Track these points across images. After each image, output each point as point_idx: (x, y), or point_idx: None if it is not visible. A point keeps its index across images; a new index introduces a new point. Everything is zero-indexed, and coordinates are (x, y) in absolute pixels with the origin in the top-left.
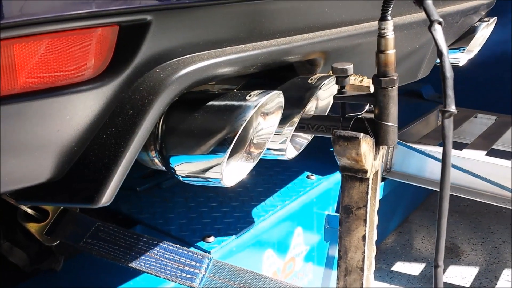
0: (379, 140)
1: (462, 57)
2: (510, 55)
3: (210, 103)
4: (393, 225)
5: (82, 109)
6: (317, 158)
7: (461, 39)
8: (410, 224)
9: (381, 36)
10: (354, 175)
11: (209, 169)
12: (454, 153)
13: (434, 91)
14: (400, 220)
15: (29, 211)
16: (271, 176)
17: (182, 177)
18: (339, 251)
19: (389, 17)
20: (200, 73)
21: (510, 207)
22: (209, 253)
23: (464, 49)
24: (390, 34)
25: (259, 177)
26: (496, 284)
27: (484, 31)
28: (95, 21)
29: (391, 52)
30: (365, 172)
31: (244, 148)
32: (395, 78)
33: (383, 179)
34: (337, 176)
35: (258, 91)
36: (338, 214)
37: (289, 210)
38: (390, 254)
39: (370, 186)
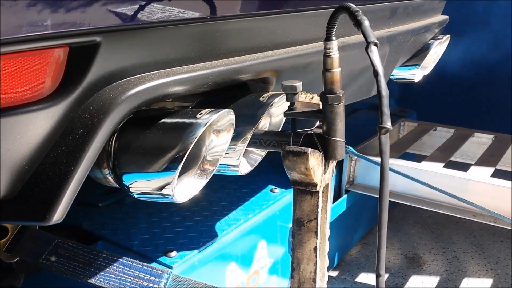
0: (328, 155)
1: (417, 73)
2: (454, 72)
3: (162, 121)
4: (357, 236)
5: (33, 128)
6: (280, 172)
7: (415, 56)
8: (374, 236)
9: (326, 55)
10: (305, 189)
11: (162, 186)
12: (413, 165)
13: (395, 105)
14: (364, 231)
15: None
16: (235, 190)
17: (136, 194)
18: (292, 263)
19: (333, 38)
20: (150, 93)
21: (468, 218)
22: (171, 268)
23: (418, 66)
24: (335, 53)
25: (223, 191)
26: None
27: (438, 48)
28: (45, 43)
29: (336, 70)
30: (315, 185)
31: (197, 165)
32: (341, 95)
33: (346, 191)
34: None
35: (209, 109)
36: None
37: (252, 223)
38: (354, 265)
39: (320, 199)
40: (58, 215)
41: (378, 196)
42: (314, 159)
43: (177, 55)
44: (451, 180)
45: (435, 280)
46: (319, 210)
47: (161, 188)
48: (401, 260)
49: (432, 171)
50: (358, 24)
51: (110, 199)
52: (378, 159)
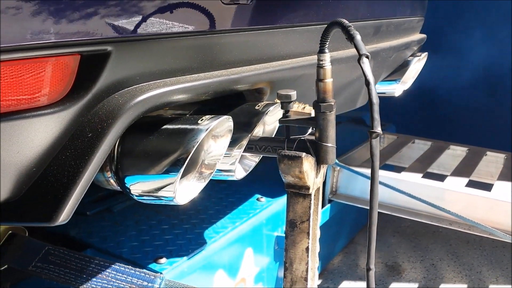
0: (320, 159)
1: (397, 88)
2: (431, 87)
3: (164, 126)
4: (339, 246)
5: (43, 131)
6: (266, 181)
7: (396, 72)
8: (356, 245)
9: (319, 66)
10: (298, 192)
11: (163, 188)
12: (393, 175)
13: None
14: (346, 241)
15: None
16: (221, 199)
17: (136, 196)
18: (285, 262)
19: (326, 50)
20: (156, 100)
21: (444, 226)
22: (161, 274)
23: (399, 81)
24: (327, 65)
25: (210, 200)
26: None
27: (417, 64)
28: (58, 50)
29: (328, 80)
30: (308, 188)
31: (196, 168)
32: (333, 103)
33: (329, 201)
34: (286, 199)
35: (209, 116)
36: None
37: (239, 231)
38: (337, 274)
39: (312, 202)
40: (64, 216)
41: (360, 206)
42: (308, 163)
43: (180, 65)
44: (429, 189)
45: (414, 287)
46: (311, 212)
47: (163, 190)
48: (381, 268)
49: (411, 181)
50: (350, 38)
51: (98, 207)
52: (360, 170)
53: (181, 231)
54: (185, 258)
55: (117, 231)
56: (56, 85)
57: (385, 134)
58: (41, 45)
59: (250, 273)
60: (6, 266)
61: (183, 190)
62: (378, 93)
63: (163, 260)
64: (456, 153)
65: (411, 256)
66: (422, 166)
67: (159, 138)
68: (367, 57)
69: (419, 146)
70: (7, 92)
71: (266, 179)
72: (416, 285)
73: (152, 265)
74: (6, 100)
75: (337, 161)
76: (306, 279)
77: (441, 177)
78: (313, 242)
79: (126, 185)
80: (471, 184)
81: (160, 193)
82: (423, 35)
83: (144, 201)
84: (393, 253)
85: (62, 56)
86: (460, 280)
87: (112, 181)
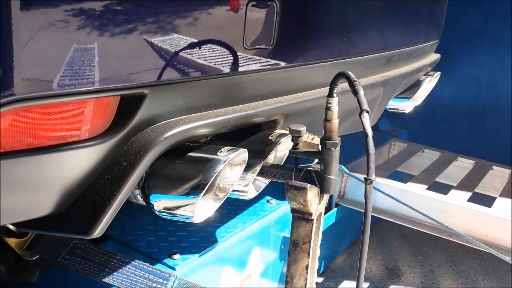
0: (323, 189)
1: (408, 105)
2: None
3: (188, 154)
4: (343, 246)
5: (85, 160)
6: (276, 185)
7: (408, 90)
8: (359, 246)
9: (328, 108)
10: (302, 216)
11: (183, 207)
12: (399, 186)
13: (389, 124)
14: (350, 242)
15: (11, 227)
16: (233, 199)
17: (158, 211)
18: (286, 277)
19: (335, 94)
20: (182, 135)
21: (444, 237)
22: (174, 269)
23: (410, 98)
24: (335, 107)
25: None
26: None
27: (428, 84)
28: (103, 94)
29: (335, 121)
30: (311, 214)
31: (213, 191)
32: (338, 141)
33: (336, 205)
34: None
35: (228, 147)
36: None
37: (249, 231)
38: (339, 273)
39: (314, 225)
40: (99, 231)
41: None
42: (312, 193)
43: (204, 102)
44: (432, 202)
45: None
46: (313, 234)
47: (183, 210)
48: (382, 270)
49: (416, 192)
50: (354, 92)
51: None
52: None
53: (194, 228)
54: (197, 255)
55: (135, 224)
56: (98, 121)
57: (396, 141)
58: (91, 90)
59: (256, 270)
60: (37, 256)
61: (201, 210)
62: (390, 108)
63: (177, 256)
64: (463, 165)
65: (411, 260)
66: (429, 176)
67: (183, 164)
68: (367, 112)
69: (428, 156)
70: (59, 128)
71: (276, 183)
72: None
73: (167, 260)
74: (58, 135)
75: (346, 169)
76: None
77: (447, 187)
78: (313, 261)
79: (150, 201)
80: (475, 196)
81: (180, 212)
82: (437, 56)
83: (164, 217)
84: (395, 256)
85: (106, 98)
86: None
87: (139, 197)
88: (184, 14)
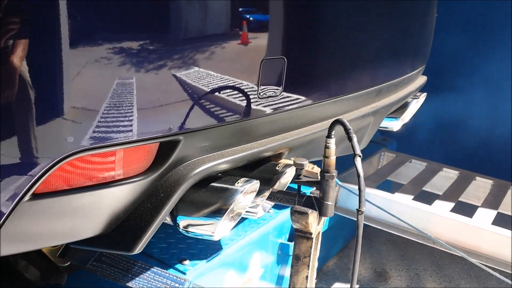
0: (321, 213)
1: (396, 124)
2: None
3: (211, 184)
4: (335, 250)
5: (131, 192)
6: None
7: (396, 111)
8: (349, 250)
9: (326, 147)
10: (303, 235)
11: (206, 228)
12: (387, 196)
13: (379, 134)
14: (341, 246)
15: None
16: None
17: (182, 230)
18: (289, 285)
19: (332, 136)
20: (208, 170)
21: (428, 244)
22: (185, 274)
23: (398, 118)
24: (332, 146)
25: None
26: None
27: (415, 105)
28: (146, 142)
29: (332, 158)
30: (311, 234)
31: (229, 214)
32: (334, 174)
33: None
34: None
35: (243, 179)
36: (289, 243)
37: (250, 238)
38: (330, 276)
39: (313, 242)
40: (140, 248)
41: (355, 219)
42: (312, 217)
43: (225, 142)
44: (417, 212)
45: None
46: (312, 250)
47: (205, 229)
48: (370, 274)
49: (402, 203)
50: (349, 139)
51: None
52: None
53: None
54: (204, 261)
55: None
56: (142, 162)
57: (385, 152)
58: (138, 139)
59: (255, 274)
60: (69, 263)
61: (219, 229)
62: (380, 127)
63: (187, 262)
64: (448, 175)
65: (398, 264)
66: (416, 186)
67: (207, 192)
68: (359, 156)
69: (415, 166)
70: (111, 168)
71: None
72: None
73: (178, 266)
74: (110, 175)
75: (338, 180)
76: None
77: (433, 196)
78: (312, 272)
79: (177, 221)
80: (459, 205)
81: (202, 231)
82: (424, 79)
83: (188, 234)
84: (383, 260)
85: (149, 145)
86: None
87: (168, 218)
88: (215, 82)
